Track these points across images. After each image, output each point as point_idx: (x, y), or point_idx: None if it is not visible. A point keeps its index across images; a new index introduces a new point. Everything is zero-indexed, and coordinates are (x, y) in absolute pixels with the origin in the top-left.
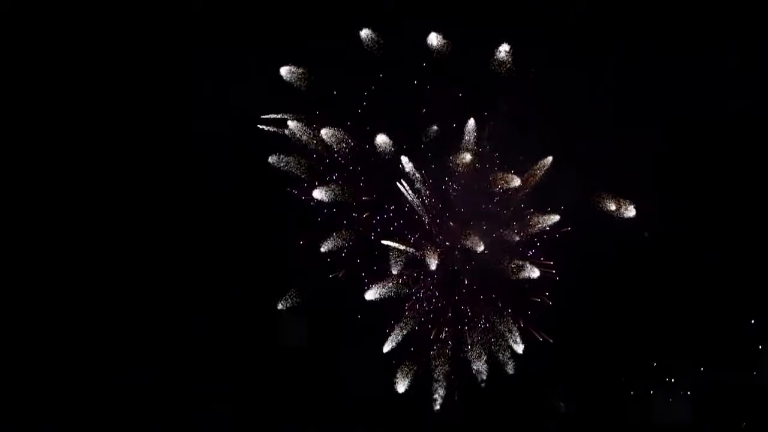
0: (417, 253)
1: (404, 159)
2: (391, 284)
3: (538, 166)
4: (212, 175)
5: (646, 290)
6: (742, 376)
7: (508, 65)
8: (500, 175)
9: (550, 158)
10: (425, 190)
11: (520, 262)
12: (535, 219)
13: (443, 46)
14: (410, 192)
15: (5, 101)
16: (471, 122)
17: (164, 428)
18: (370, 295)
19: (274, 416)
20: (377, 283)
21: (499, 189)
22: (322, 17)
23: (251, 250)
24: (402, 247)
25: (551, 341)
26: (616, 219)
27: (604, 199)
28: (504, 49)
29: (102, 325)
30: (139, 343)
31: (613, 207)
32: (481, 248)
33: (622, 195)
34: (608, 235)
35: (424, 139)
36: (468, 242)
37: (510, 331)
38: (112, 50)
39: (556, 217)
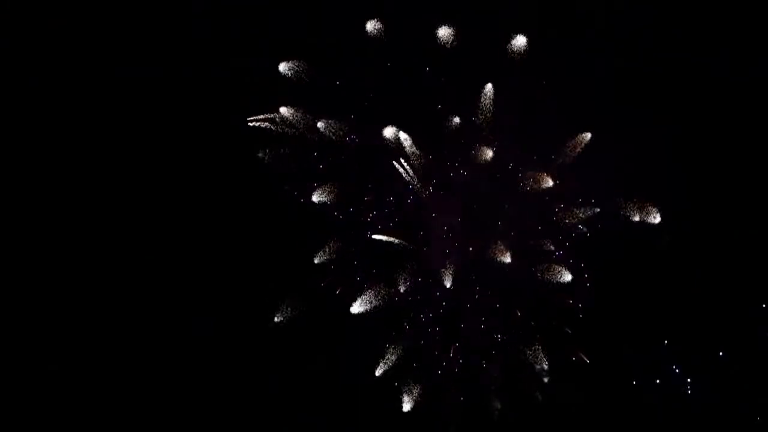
0: (411, 247)
1: (403, 135)
2: (385, 293)
3: (575, 141)
4: (211, 175)
5: (671, 294)
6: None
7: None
8: (533, 174)
9: (588, 134)
10: (428, 175)
11: (550, 265)
12: (567, 213)
13: (453, 40)
14: (410, 173)
15: None
16: (488, 86)
17: (164, 428)
18: (357, 307)
19: (273, 417)
20: (369, 291)
21: (527, 188)
22: (324, 10)
23: (247, 254)
24: (405, 244)
25: (588, 361)
26: (641, 224)
27: (628, 203)
28: (520, 42)
29: (101, 326)
30: (137, 344)
31: (637, 217)
32: (508, 260)
33: (647, 199)
34: (627, 238)
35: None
36: (491, 251)
37: (533, 351)
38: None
39: (596, 209)
